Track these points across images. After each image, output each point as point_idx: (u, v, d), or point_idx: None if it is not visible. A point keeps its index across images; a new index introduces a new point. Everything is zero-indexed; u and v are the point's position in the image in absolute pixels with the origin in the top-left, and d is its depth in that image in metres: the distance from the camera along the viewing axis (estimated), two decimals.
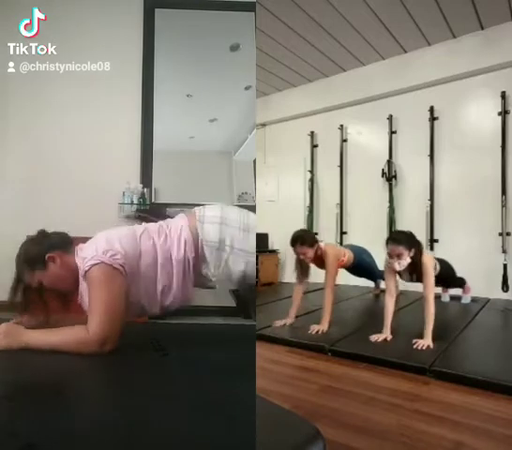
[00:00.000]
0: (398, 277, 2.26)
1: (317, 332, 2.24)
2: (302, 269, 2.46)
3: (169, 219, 1.57)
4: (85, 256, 1.32)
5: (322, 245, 2.46)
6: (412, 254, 2.08)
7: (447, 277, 2.67)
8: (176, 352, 1.31)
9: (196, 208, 1.57)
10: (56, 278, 1.41)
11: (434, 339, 1.99)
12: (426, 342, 1.96)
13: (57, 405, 0.89)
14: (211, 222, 1.48)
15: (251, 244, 1.50)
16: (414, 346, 1.95)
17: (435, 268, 2.38)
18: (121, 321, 1.30)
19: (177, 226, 1.48)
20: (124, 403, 0.92)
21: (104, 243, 1.35)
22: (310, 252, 2.37)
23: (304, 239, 2.38)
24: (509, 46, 3.38)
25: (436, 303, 2.09)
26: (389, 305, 2.15)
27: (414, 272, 2.17)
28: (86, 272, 1.30)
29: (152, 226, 1.51)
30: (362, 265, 2.96)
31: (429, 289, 2.08)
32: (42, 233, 1.49)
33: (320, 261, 2.46)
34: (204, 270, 1.48)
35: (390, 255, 2.11)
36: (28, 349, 1.24)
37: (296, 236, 2.41)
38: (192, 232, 1.46)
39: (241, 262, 1.48)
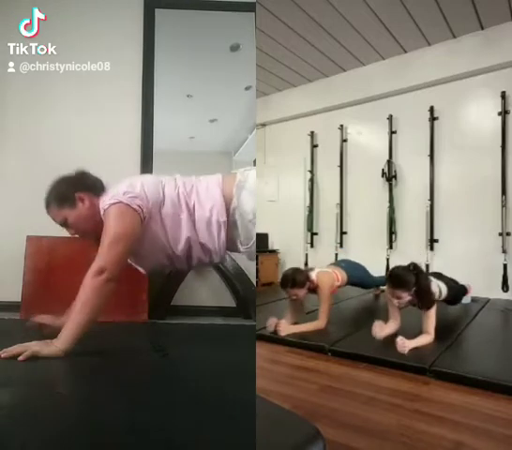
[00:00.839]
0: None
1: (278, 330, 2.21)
2: (295, 307, 2.40)
3: (205, 177, 1.53)
4: (107, 196, 1.37)
5: (313, 276, 2.40)
6: (412, 292, 2.00)
7: (453, 299, 2.62)
8: (176, 352, 1.32)
9: (238, 171, 1.53)
10: (82, 219, 1.43)
11: (434, 339, 1.99)
12: (409, 343, 1.91)
13: (56, 405, 0.89)
14: (251, 192, 1.44)
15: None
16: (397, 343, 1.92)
17: (440, 295, 2.30)
18: (125, 257, 1.33)
19: (210, 185, 1.46)
20: (124, 403, 0.92)
21: (126, 185, 1.39)
22: (302, 292, 2.31)
23: (295, 281, 2.29)
24: (509, 46, 3.38)
25: (436, 303, 2.08)
26: (392, 326, 2.11)
27: (420, 300, 2.06)
28: (105, 210, 1.34)
29: (179, 178, 1.50)
30: (356, 283, 2.93)
31: (430, 324, 2.02)
32: (78, 173, 1.51)
33: (313, 290, 2.41)
34: (236, 238, 1.47)
35: (390, 294, 2.05)
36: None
37: (287, 278, 2.32)
38: (226, 195, 1.43)
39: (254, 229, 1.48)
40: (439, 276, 2.56)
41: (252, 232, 1.46)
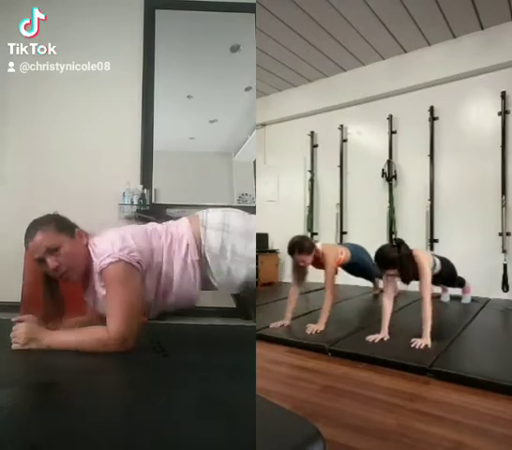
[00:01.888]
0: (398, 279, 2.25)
1: (315, 332, 2.24)
2: (299, 274, 2.45)
3: (173, 221, 1.57)
4: (101, 253, 1.30)
5: (318, 246, 2.45)
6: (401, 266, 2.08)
7: (448, 276, 2.67)
8: (177, 352, 1.32)
9: (199, 212, 1.57)
10: (76, 252, 1.35)
11: (434, 339, 1.99)
12: (424, 341, 1.96)
13: (58, 406, 0.89)
14: (213, 228, 1.49)
15: (252, 248, 1.51)
16: (412, 345, 1.95)
17: (434, 267, 2.38)
18: (139, 318, 1.31)
19: (181, 229, 1.49)
20: (124, 403, 0.92)
21: (119, 240, 1.33)
22: (309, 258, 2.35)
23: (302, 246, 2.34)
24: (509, 46, 3.38)
25: (436, 302, 2.10)
26: (387, 306, 2.15)
27: (408, 275, 2.14)
28: (103, 269, 1.28)
29: (159, 226, 1.52)
30: (359, 264, 2.94)
31: (425, 288, 2.07)
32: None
33: (318, 262, 2.45)
34: (209, 274, 1.49)
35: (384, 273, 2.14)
36: (46, 349, 1.24)
37: (294, 244, 2.37)
38: (195, 236, 1.47)
39: (243, 268, 1.48)
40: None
41: (221, 267, 1.47)
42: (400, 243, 2.12)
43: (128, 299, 1.28)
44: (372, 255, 3.42)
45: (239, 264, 1.48)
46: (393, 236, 4.02)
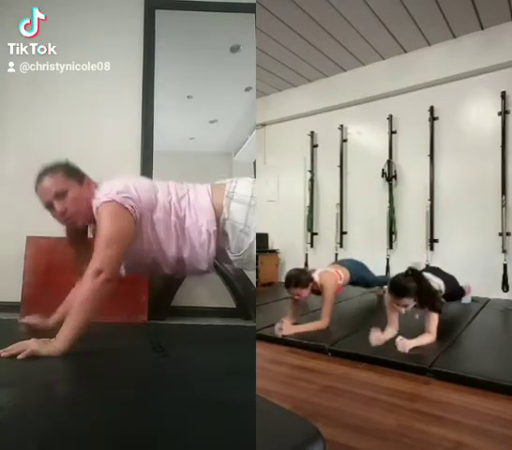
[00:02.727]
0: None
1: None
2: (296, 307, 2.41)
3: (193, 185, 1.55)
4: (100, 194, 1.35)
5: (316, 276, 2.40)
6: (416, 297, 2.00)
7: (452, 295, 2.62)
8: (176, 352, 1.32)
9: (227, 180, 1.54)
10: (82, 198, 1.40)
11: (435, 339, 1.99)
12: (409, 343, 1.92)
13: (56, 405, 0.89)
14: (241, 202, 1.47)
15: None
16: (397, 340, 1.93)
17: (440, 291, 2.30)
18: (121, 257, 1.32)
19: (200, 195, 1.47)
20: (124, 403, 0.92)
21: (120, 185, 1.38)
22: (305, 292, 2.32)
23: (298, 280, 2.29)
24: (509, 46, 3.38)
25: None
26: (390, 332, 2.09)
27: (424, 301, 2.05)
28: (98, 208, 1.33)
29: (172, 184, 1.51)
30: (359, 282, 2.93)
31: (433, 324, 2.02)
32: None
33: (316, 291, 2.42)
34: (225, 247, 1.48)
35: (395, 303, 2.03)
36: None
37: (290, 277, 2.32)
38: (216, 206, 1.46)
39: (252, 237, 1.49)
40: (436, 270, 2.56)
41: (243, 242, 1.47)
42: (415, 272, 2.05)
43: (111, 235, 1.30)
44: (373, 254, 3.45)
45: (254, 240, 1.48)
46: (393, 236, 4.03)
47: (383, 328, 2.10)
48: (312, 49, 3.80)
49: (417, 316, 2.09)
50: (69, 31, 2.74)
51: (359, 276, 2.86)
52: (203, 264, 1.51)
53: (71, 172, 1.43)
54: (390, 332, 2.08)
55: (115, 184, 1.39)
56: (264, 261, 4.44)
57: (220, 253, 1.50)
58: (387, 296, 2.11)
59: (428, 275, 2.26)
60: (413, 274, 2.03)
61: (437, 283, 2.27)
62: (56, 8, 2.65)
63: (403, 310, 2.02)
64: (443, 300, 2.15)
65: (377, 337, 2.03)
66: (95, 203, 1.35)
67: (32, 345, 1.22)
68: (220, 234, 1.46)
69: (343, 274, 2.62)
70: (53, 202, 1.37)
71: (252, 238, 1.47)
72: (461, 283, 2.80)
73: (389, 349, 1.94)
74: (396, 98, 4.08)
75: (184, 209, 1.44)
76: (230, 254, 1.49)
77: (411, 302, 1.99)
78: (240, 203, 1.46)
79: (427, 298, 2.02)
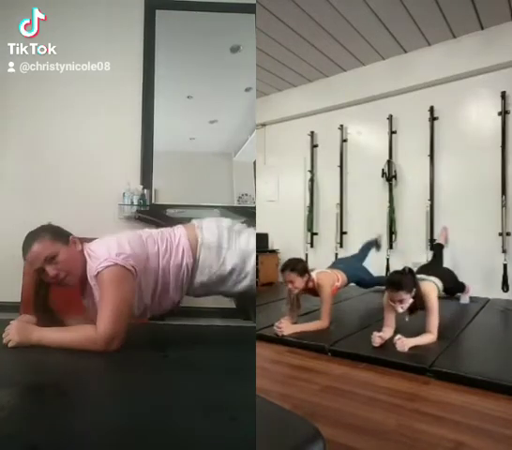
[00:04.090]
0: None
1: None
2: (292, 305, 2.40)
3: (168, 228, 1.62)
4: (98, 257, 1.35)
5: (313, 275, 2.41)
6: (413, 294, 2.00)
7: (451, 288, 2.62)
8: (177, 352, 1.32)
9: (194, 220, 1.64)
10: (73, 258, 1.40)
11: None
12: (407, 342, 1.93)
13: (58, 406, 0.89)
14: (209, 227, 1.58)
15: (247, 243, 1.57)
16: (395, 339, 1.94)
17: (439, 290, 2.30)
18: (127, 320, 1.33)
19: (177, 234, 1.55)
20: (124, 404, 0.92)
21: (116, 245, 1.38)
22: (298, 282, 2.32)
23: (294, 266, 2.33)
24: (509, 46, 3.38)
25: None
26: (387, 332, 2.09)
27: (417, 306, 2.07)
28: (99, 272, 1.32)
29: (155, 232, 1.57)
30: (356, 283, 2.94)
31: (433, 324, 2.03)
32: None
33: (313, 291, 2.43)
34: (199, 277, 1.53)
35: (391, 300, 2.03)
36: (38, 346, 1.26)
37: (287, 263, 2.38)
38: (191, 239, 1.53)
39: (236, 258, 1.54)
40: (430, 267, 2.57)
41: (220, 257, 1.53)
42: (411, 271, 2.05)
43: (118, 301, 1.31)
44: (372, 254, 3.45)
45: (233, 254, 1.54)
46: (393, 236, 4.03)
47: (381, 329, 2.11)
48: (312, 49, 3.81)
49: (407, 319, 2.11)
50: (69, 31, 2.74)
51: (356, 277, 2.85)
52: (177, 302, 1.57)
53: (57, 235, 1.42)
54: (387, 331, 2.08)
55: (110, 244, 1.39)
56: (264, 261, 4.44)
57: (190, 286, 1.56)
58: (385, 296, 2.12)
59: (422, 276, 2.26)
60: (409, 272, 2.04)
61: (433, 282, 2.27)
62: (56, 8, 2.65)
63: (400, 309, 2.02)
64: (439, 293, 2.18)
65: (380, 337, 2.03)
66: (95, 268, 1.34)
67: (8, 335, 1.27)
68: (196, 265, 1.53)
69: (340, 276, 2.61)
70: (45, 266, 1.37)
71: (230, 252, 1.54)
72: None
73: (389, 348, 1.95)
74: (396, 98, 4.09)
75: (169, 253, 1.49)
76: (200, 281, 1.53)
77: (408, 297, 1.99)
78: (209, 228, 1.57)
79: (420, 304, 2.05)
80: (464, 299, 3.11)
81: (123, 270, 1.33)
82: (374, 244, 3.70)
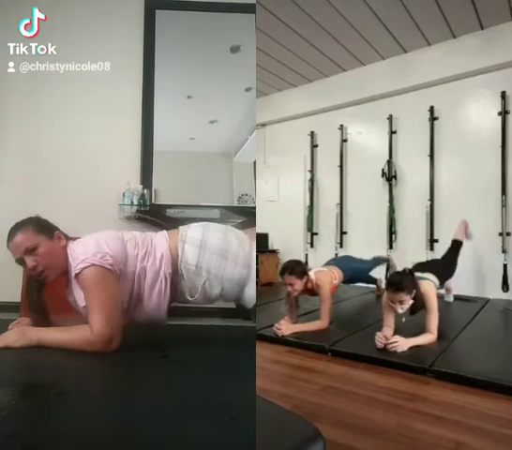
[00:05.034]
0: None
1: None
2: (291, 306, 2.39)
3: (153, 233, 1.59)
4: (76, 257, 1.35)
5: (311, 274, 2.40)
6: (413, 295, 2.00)
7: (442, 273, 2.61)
8: (176, 352, 1.32)
9: (181, 227, 1.59)
10: (55, 252, 1.40)
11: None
12: (406, 342, 1.94)
13: (58, 406, 0.89)
14: (192, 244, 1.50)
15: (233, 269, 1.50)
16: (391, 340, 1.94)
17: (436, 285, 2.29)
18: (120, 319, 1.32)
19: (158, 241, 1.51)
20: (124, 404, 0.92)
21: (93, 245, 1.38)
22: (298, 284, 2.32)
23: (293, 269, 2.32)
24: (509, 46, 3.37)
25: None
26: (387, 332, 2.08)
27: (417, 306, 2.07)
28: (78, 274, 1.32)
29: (138, 235, 1.53)
30: (354, 277, 2.92)
31: (433, 324, 2.03)
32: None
33: (312, 291, 2.42)
34: (183, 287, 1.50)
35: (392, 300, 2.02)
36: (38, 346, 1.26)
37: (285, 266, 2.37)
38: (172, 249, 1.48)
39: (218, 287, 1.50)
40: (426, 265, 2.57)
41: (196, 284, 1.48)
42: (411, 272, 2.06)
43: (103, 302, 1.30)
44: (372, 254, 3.44)
45: (214, 283, 1.49)
46: (393, 236, 4.03)
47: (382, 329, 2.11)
48: (312, 49, 3.80)
49: (404, 319, 2.11)
50: (69, 31, 2.74)
51: (351, 269, 2.82)
52: (163, 310, 1.51)
53: (41, 227, 1.43)
54: (387, 332, 2.08)
55: (87, 243, 1.39)
56: (264, 261, 4.44)
57: (180, 295, 1.53)
58: (384, 296, 2.12)
59: (418, 274, 2.26)
60: (409, 273, 2.04)
61: (431, 280, 2.28)
62: (56, 8, 2.65)
63: (399, 309, 2.02)
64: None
65: (385, 337, 2.02)
66: (73, 268, 1.34)
67: (7, 338, 1.27)
68: (178, 276, 1.48)
69: (337, 273, 2.62)
70: (25, 257, 1.38)
71: (204, 279, 1.48)
72: (460, 283, 2.81)
73: (389, 349, 1.94)
74: (396, 98, 4.08)
75: (147, 257, 1.46)
76: (187, 296, 1.51)
77: (408, 298, 1.99)
78: (191, 246, 1.49)
79: (419, 305, 2.05)
80: (448, 297, 3.11)
81: (101, 270, 1.32)
82: (385, 262, 3.59)
